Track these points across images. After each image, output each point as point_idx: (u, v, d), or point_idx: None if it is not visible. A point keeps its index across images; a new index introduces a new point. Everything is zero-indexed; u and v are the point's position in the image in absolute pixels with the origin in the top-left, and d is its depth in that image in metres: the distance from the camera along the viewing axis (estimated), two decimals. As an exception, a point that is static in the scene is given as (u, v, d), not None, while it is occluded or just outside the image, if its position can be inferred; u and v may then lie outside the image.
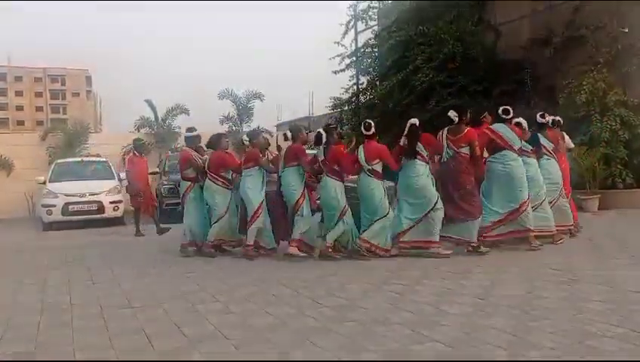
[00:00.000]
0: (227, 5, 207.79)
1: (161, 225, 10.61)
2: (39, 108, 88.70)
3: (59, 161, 15.43)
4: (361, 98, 18.15)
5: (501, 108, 7.18)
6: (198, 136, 8.27)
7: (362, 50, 18.17)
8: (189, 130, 8.36)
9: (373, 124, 6.94)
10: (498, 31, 14.65)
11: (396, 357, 3.30)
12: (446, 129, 6.88)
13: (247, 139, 7.66)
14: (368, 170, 6.76)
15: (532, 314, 4.00)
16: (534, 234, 6.86)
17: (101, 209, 13.25)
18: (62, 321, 4.45)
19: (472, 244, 6.65)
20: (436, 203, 6.60)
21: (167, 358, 3.49)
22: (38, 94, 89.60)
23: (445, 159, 6.84)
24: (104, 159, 15.35)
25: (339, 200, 6.79)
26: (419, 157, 6.71)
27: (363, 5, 18.49)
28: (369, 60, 18.18)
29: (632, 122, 11.22)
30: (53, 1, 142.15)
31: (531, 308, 4.14)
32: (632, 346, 3.25)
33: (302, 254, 6.93)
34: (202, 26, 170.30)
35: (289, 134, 7.28)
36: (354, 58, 18.18)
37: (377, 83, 17.31)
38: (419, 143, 6.70)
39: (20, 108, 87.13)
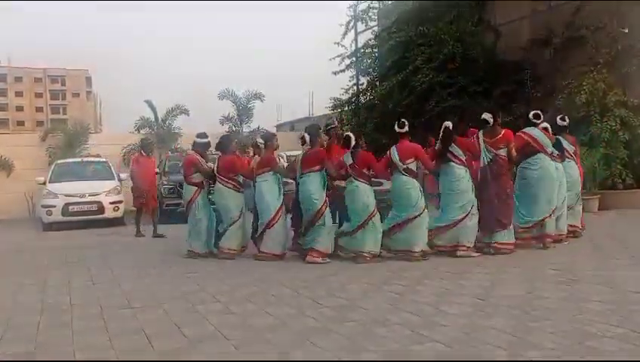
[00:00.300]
0: (227, 5, 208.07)
1: (158, 232, 10.46)
2: (39, 109, 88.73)
3: (59, 161, 15.42)
4: (361, 98, 18.18)
5: (532, 113, 7.22)
6: (209, 143, 8.04)
7: (362, 50, 18.19)
8: (201, 135, 8.03)
9: (406, 122, 6.82)
10: (498, 31, 14.67)
11: (396, 358, 3.30)
12: (481, 132, 6.83)
13: (262, 141, 7.36)
14: (404, 169, 6.60)
15: (532, 314, 4.01)
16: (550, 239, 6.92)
17: (101, 209, 13.23)
18: (62, 322, 4.45)
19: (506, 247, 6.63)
20: (471, 209, 6.58)
21: (167, 358, 3.49)
22: (38, 95, 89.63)
23: (485, 163, 6.74)
24: (104, 159, 15.34)
25: (368, 205, 6.62)
26: (457, 161, 6.64)
27: (363, 6, 18.53)
28: (369, 61, 18.20)
29: (632, 123, 11.23)
30: (54, 1, 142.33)
31: (531, 309, 4.14)
32: (632, 346, 3.25)
33: (322, 261, 6.62)
34: (202, 26, 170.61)
35: (307, 137, 6.92)
36: (354, 58, 18.19)
37: (377, 83, 17.34)
38: (454, 146, 6.64)
39: (20, 108, 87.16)
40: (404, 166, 6.60)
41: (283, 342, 3.66)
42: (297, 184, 7.04)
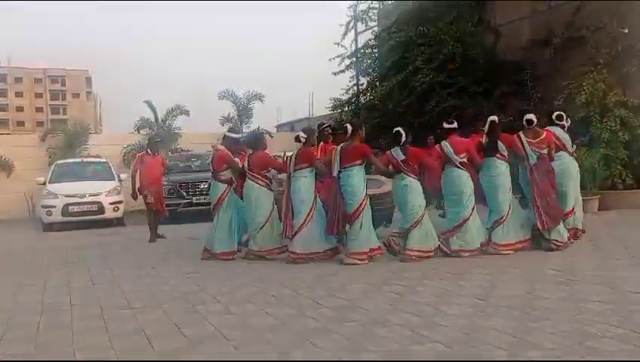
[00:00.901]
0: (227, 5, 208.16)
1: (158, 233, 10.08)
2: (39, 109, 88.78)
3: (59, 161, 15.44)
4: (361, 99, 18.17)
5: (555, 114, 7.63)
6: (240, 138, 7.77)
7: (362, 50, 18.19)
8: (233, 130, 7.72)
9: (454, 120, 6.98)
10: (498, 32, 14.66)
11: (396, 358, 3.30)
12: (522, 133, 6.98)
13: (305, 136, 7.06)
14: (460, 162, 6.68)
15: (532, 314, 4.00)
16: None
17: (101, 210, 13.26)
18: (62, 322, 4.45)
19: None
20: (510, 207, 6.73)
21: (167, 358, 3.49)
22: (38, 95, 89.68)
23: (533, 163, 6.86)
24: (104, 160, 15.36)
25: (422, 201, 6.65)
26: (499, 155, 6.74)
27: (363, 6, 18.53)
28: (369, 61, 18.21)
29: (632, 123, 11.21)
30: (54, 1, 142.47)
31: (531, 309, 4.14)
32: (632, 347, 3.25)
33: (361, 262, 6.43)
34: (202, 26, 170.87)
35: (349, 128, 6.74)
36: (354, 59, 18.20)
37: (377, 84, 17.35)
38: (499, 142, 6.74)
39: (20, 109, 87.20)
40: (461, 160, 6.68)
41: (283, 342, 3.66)
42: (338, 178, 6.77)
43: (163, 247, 8.95)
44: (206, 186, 13.38)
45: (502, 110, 11.75)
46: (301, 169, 6.88)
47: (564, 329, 3.61)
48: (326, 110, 20.83)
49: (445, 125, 6.92)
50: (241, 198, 7.38)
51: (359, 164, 6.64)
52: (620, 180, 11.05)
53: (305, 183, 6.83)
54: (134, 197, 10.24)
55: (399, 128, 6.82)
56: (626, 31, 11.63)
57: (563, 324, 3.71)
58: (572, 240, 7.06)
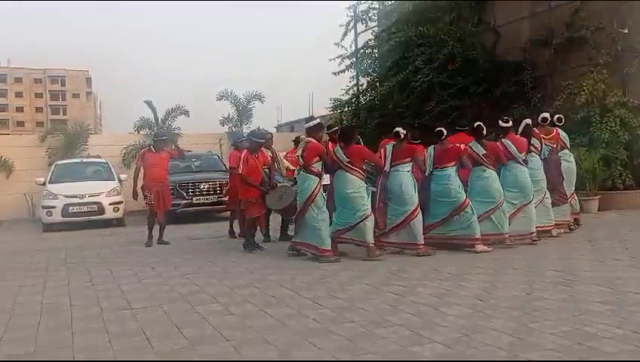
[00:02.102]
0: (227, 5, 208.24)
1: (163, 239, 9.52)
2: (39, 110, 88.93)
3: (59, 162, 15.43)
4: (361, 99, 18.14)
5: (556, 117, 8.48)
6: (321, 124, 7.43)
7: (362, 51, 18.17)
8: (311, 119, 7.47)
9: (509, 118, 7.55)
10: (498, 32, 14.66)
11: (396, 358, 3.30)
12: (536, 129, 7.86)
13: (404, 132, 7.05)
14: (523, 160, 7.38)
15: (532, 315, 4.00)
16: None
17: (101, 210, 13.25)
18: (61, 322, 4.45)
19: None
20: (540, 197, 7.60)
21: (167, 359, 3.49)
22: (38, 95, 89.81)
23: (544, 157, 7.85)
24: (104, 160, 15.35)
25: (501, 189, 7.18)
26: (535, 149, 7.62)
27: (363, 6, 18.51)
28: (369, 61, 18.18)
29: (632, 123, 11.22)
30: (54, 1, 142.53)
31: (531, 309, 4.14)
32: (633, 347, 3.25)
33: (489, 249, 6.92)
34: (202, 26, 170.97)
35: (444, 132, 7.12)
36: (354, 59, 18.18)
37: (377, 84, 17.31)
38: (534, 138, 7.64)
39: (19, 109, 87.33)
40: (524, 157, 7.39)
41: (283, 342, 3.66)
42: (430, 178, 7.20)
43: (163, 247, 8.95)
44: (206, 187, 13.46)
45: (502, 110, 11.76)
46: (402, 163, 7.04)
47: (564, 329, 3.62)
48: (326, 110, 20.81)
49: (502, 124, 7.43)
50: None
51: (452, 165, 7.08)
52: (620, 181, 11.04)
53: (408, 177, 7.01)
54: (135, 196, 9.66)
55: (480, 123, 7.31)
56: (626, 31, 11.62)
57: (563, 324, 3.72)
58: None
